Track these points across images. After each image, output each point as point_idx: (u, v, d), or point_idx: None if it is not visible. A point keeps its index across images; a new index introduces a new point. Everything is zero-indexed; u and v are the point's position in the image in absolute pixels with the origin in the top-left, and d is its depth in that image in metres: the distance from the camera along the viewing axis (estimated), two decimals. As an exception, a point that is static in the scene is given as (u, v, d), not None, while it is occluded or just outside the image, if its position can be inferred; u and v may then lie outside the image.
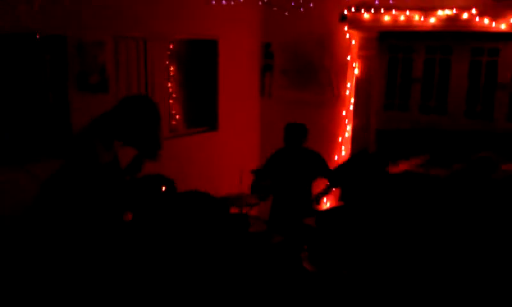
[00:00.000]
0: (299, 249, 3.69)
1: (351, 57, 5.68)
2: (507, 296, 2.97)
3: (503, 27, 4.69)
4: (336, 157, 5.86)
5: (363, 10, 5.40)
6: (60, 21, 4.11)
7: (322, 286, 3.35)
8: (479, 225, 3.17)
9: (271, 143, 5.11)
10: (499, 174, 3.40)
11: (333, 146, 5.92)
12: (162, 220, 3.15)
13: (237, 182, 4.24)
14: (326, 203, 5.70)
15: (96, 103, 4.25)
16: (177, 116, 5.55)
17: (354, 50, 5.65)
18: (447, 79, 5.40)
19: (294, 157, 4.70)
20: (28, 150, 4.14)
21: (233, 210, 3.94)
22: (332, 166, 4.90)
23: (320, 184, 4.81)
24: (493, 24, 4.72)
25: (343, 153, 5.86)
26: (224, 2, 5.43)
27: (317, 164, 4.71)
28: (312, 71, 5.98)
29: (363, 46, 5.58)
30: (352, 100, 5.74)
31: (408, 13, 5.13)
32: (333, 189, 4.77)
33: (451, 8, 4.90)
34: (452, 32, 5.05)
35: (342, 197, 4.06)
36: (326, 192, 4.81)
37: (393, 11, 5.21)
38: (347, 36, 5.66)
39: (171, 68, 5.41)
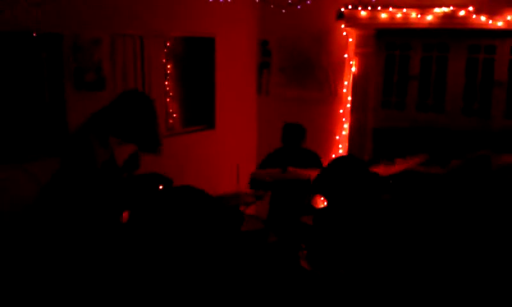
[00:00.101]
0: (296, 248, 3.68)
1: (348, 55, 5.68)
2: (507, 290, 2.97)
3: (500, 24, 4.70)
4: (333, 156, 5.86)
5: (360, 7, 5.40)
6: (56, 19, 4.09)
7: (319, 285, 3.35)
8: (477, 223, 3.17)
9: (268, 141, 5.11)
10: (497, 164, 3.39)
11: (330, 144, 5.92)
12: (156, 218, 3.14)
13: (234, 180, 4.23)
14: (324, 202, 5.69)
15: (92, 101, 4.22)
16: (174, 115, 5.54)
17: (351, 48, 5.64)
18: (443, 77, 5.40)
19: (292, 158, 4.68)
20: (24, 149, 4.13)
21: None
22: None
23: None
24: (490, 21, 4.72)
25: (340, 151, 5.86)
26: (221, -1, 5.42)
27: (315, 165, 4.70)
28: (309, 69, 5.98)
29: (360, 43, 5.58)
30: (349, 98, 5.74)
31: (404, 10, 5.13)
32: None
33: (448, 5, 4.91)
34: (449, 30, 5.06)
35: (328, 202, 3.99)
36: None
37: (390, 9, 5.21)
38: (344, 33, 5.65)
39: (168, 66, 5.39)
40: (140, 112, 2.95)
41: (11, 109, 4.08)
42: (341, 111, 5.82)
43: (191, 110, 5.83)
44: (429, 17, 5.00)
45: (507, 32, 4.78)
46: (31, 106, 4.20)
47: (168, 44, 5.35)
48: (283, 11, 5.76)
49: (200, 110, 5.89)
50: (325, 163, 4.80)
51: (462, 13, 4.83)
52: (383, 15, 5.27)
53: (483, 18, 4.75)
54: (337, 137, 5.88)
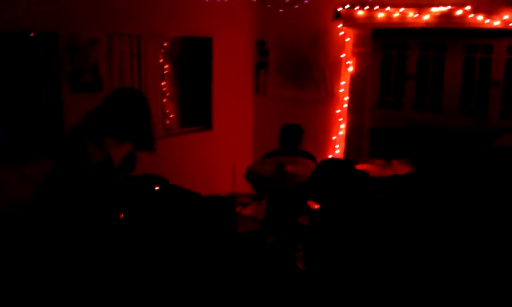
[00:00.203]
0: (293, 249, 3.68)
1: (345, 55, 5.67)
2: (506, 287, 2.97)
3: (496, 23, 4.70)
4: (330, 156, 5.86)
5: (357, 7, 5.40)
6: (53, 19, 4.08)
7: (316, 286, 3.34)
8: (475, 221, 3.17)
9: (265, 141, 5.10)
10: (497, 144, 3.36)
11: (326, 144, 5.91)
12: (150, 218, 3.14)
13: (230, 181, 4.22)
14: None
15: (89, 102, 4.15)
16: (171, 115, 5.53)
17: (349, 48, 5.64)
18: (440, 76, 5.40)
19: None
20: (21, 150, 4.12)
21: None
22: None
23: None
24: (487, 21, 4.72)
25: (337, 151, 5.85)
26: (218, -1, 5.41)
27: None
28: (306, 69, 5.97)
29: (357, 43, 5.57)
30: (346, 98, 5.73)
31: (402, 9, 5.13)
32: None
33: (445, 5, 4.90)
34: (446, 29, 5.05)
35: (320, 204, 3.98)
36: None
37: (387, 8, 5.21)
38: (341, 33, 5.65)
39: (165, 66, 5.38)
40: (133, 107, 2.93)
41: (7, 110, 4.07)
42: (338, 111, 5.81)
43: (188, 111, 5.82)
44: (426, 17, 5.00)
45: (504, 31, 4.77)
46: (27, 107, 4.19)
47: (165, 44, 5.34)
48: (280, 11, 5.74)
49: (196, 111, 5.88)
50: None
51: (459, 12, 4.83)
52: (380, 15, 5.26)
53: (480, 17, 4.75)
54: (334, 138, 5.88)
